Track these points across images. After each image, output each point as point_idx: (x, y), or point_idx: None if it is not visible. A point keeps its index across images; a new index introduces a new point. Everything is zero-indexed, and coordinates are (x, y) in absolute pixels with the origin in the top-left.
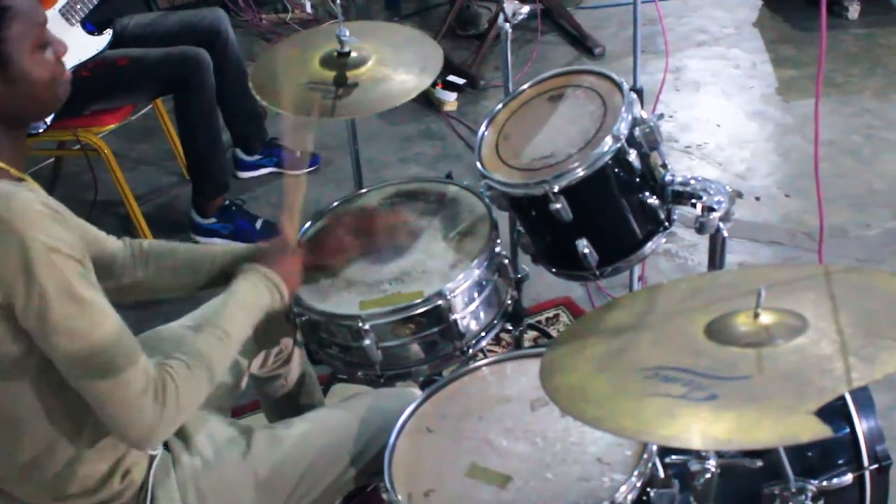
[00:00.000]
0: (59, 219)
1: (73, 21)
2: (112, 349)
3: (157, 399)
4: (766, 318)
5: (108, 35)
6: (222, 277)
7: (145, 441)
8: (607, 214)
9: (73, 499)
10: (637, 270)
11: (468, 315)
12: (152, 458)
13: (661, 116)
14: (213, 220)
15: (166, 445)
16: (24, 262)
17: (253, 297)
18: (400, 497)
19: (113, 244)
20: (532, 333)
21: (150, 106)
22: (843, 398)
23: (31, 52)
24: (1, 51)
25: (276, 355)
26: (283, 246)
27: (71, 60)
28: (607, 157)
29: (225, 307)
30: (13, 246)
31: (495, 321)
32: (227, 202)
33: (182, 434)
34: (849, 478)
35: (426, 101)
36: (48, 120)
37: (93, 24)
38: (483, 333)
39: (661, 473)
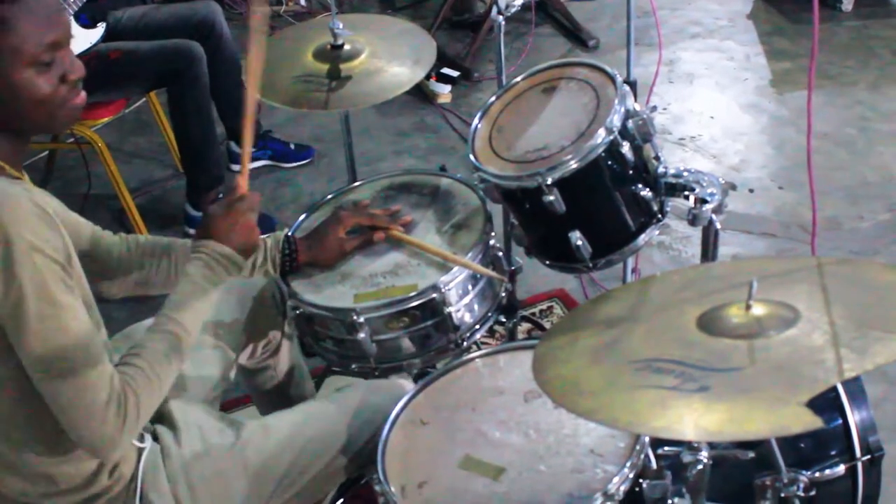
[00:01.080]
0: (48, 220)
1: (67, 14)
2: (80, 356)
3: (119, 412)
4: (758, 310)
5: (101, 28)
6: None
7: (105, 452)
8: (600, 207)
9: (62, 495)
10: (630, 262)
11: (462, 308)
12: (141, 451)
13: (654, 108)
14: None
15: (155, 438)
16: (5, 256)
17: (207, 279)
18: (393, 489)
19: (109, 240)
20: (526, 325)
21: (144, 99)
22: (835, 389)
23: (26, 69)
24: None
25: (264, 346)
26: (232, 202)
27: None
28: (600, 150)
29: (178, 295)
30: None
31: (489, 314)
32: (222, 195)
33: (171, 426)
34: (841, 469)
35: (420, 93)
36: None
37: (87, 18)
38: (477, 326)
39: (654, 465)
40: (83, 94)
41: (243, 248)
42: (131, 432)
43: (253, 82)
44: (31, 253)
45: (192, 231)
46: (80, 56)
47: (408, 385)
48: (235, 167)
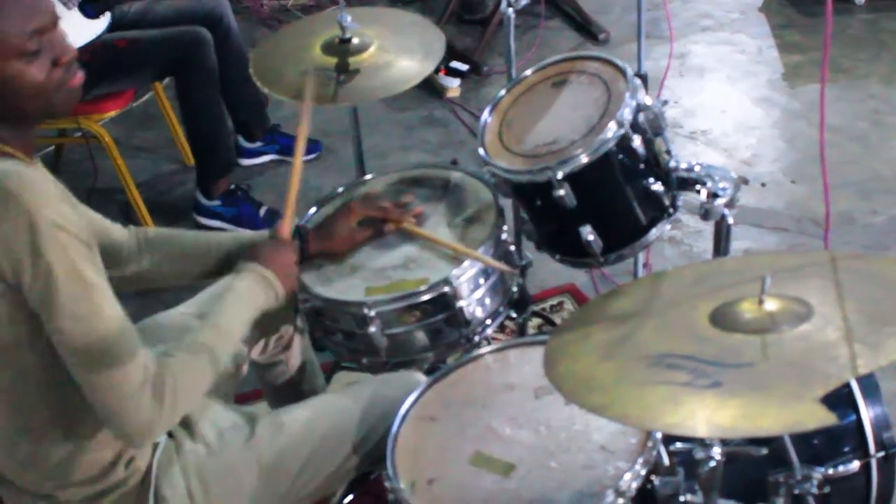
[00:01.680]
0: (69, 200)
1: (71, 6)
2: (113, 338)
3: (155, 395)
4: (770, 305)
5: (106, 18)
6: (228, 266)
7: (141, 437)
8: (611, 201)
9: (76, 486)
10: (641, 257)
11: (474, 302)
12: (156, 445)
13: (665, 102)
14: (217, 202)
15: (170, 433)
16: (31, 238)
17: (251, 297)
18: (403, 485)
19: (118, 232)
20: (536, 321)
21: (151, 93)
22: (848, 385)
23: (15, 62)
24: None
25: (277, 341)
26: (281, 243)
27: None
28: (611, 144)
29: (225, 302)
30: (22, 221)
31: (501, 308)
32: (234, 186)
33: (185, 421)
34: (855, 465)
35: (429, 87)
36: None
37: (91, 10)
38: (489, 321)
39: (666, 461)
40: (80, 73)
41: (283, 283)
42: (168, 418)
43: (301, 147)
44: (56, 232)
45: (202, 220)
46: (86, 46)
47: (421, 377)
48: (245, 162)
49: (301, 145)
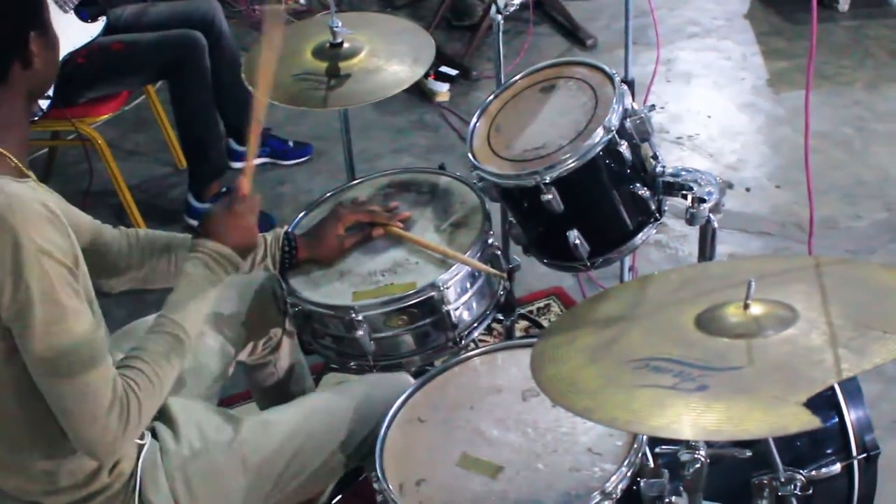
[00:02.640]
0: (56, 223)
1: (67, 8)
2: (83, 359)
3: (121, 416)
4: (756, 310)
5: (101, 22)
6: None
7: (106, 455)
8: (598, 206)
9: (63, 492)
10: (627, 261)
11: (461, 306)
12: (141, 448)
13: (652, 108)
14: (208, 204)
15: (154, 434)
16: (14, 259)
17: (202, 276)
18: (391, 486)
19: (109, 233)
20: (523, 323)
21: (144, 96)
22: (831, 388)
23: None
24: (43, 16)
25: (265, 343)
26: (232, 205)
27: (65, 47)
28: (598, 149)
29: (177, 296)
30: (7, 243)
31: (488, 312)
32: (225, 188)
33: (170, 423)
34: (837, 467)
35: (418, 91)
36: (44, 107)
37: (87, 13)
38: (476, 324)
39: (651, 463)
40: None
41: (241, 248)
42: (132, 436)
43: (263, 86)
44: (40, 257)
45: (194, 222)
46: (81, 49)
47: (409, 379)
48: (236, 165)
49: (263, 87)
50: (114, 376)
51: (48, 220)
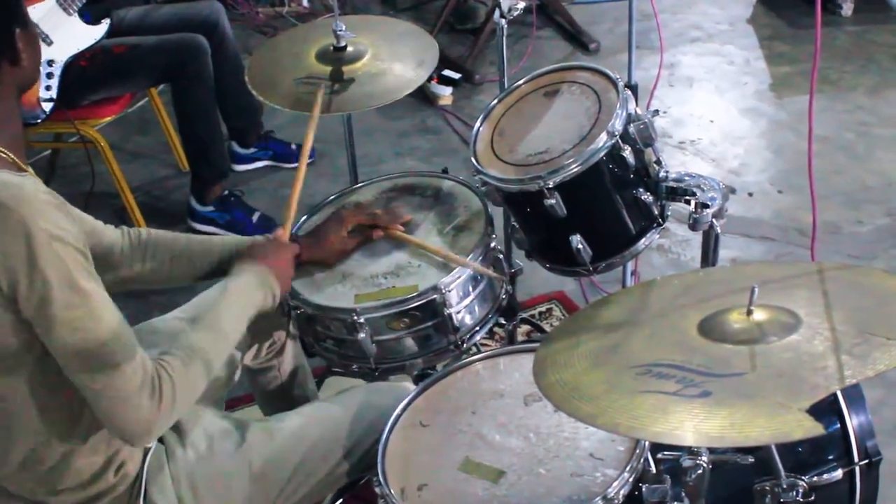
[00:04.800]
0: (63, 209)
1: (71, 11)
2: (110, 343)
3: (153, 395)
4: (759, 316)
5: (105, 24)
6: (220, 269)
7: (140, 437)
8: (601, 210)
9: (67, 492)
10: (630, 265)
11: (463, 309)
12: (146, 451)
13: (655, 112)
14: (211, 208)
15: (160, 438)
16: (27, 250)
17: (248, 296)
18: (393, 491)
19: (111, 234)
20: (525, 327)
21: (147, 98)
22: (834, 394)
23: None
24: (24, 12)
25: (269, 346)
26: (279, 245)
27: (69, 50)
28: (602, 154)
29: (221, 303)
30: (18, 234)
31: (490, 315)
32: (227, 192)
33: (176, 427)
34: (839, 473)
35: (422, 95)
36: (47, 110)
37: (90, 16)
38: (477, 328)
39: (653, 469)
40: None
41: (280, 283)
42: (167, 417)
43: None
44: (53, 243)
45: (196, 225)
46: (85, 51)
47: (410, 387)
48: (237, 167)
49: (306, 152)
50: (143, 357)
51: (55, 206)
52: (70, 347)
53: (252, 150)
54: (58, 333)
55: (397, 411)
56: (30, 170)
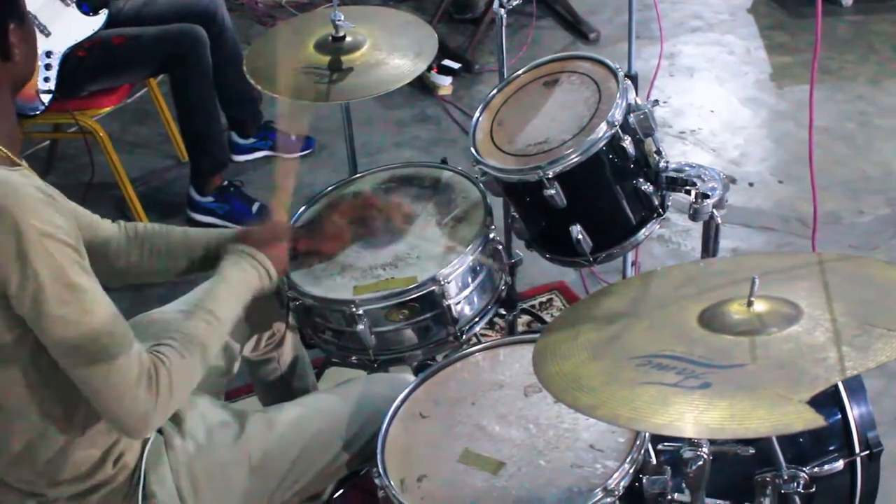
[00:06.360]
0: (53, 204)
1: (69, 2)
2: (105, 337)
3: (150, 388)
4: (759, 307)
5: (103, 15)
6: (217, 261)
7: (139, 430)
8: (601, 201)
9: (65, 484)
10: (630, 256)
11: (462, 300)
12: (145, 442)
13: (655, 103)
14: (210, 198)
15: (159, 429)
16: (18, 247)
17: (241, 278)
18: (392, 482)
19: (107, 228)
20: (525, 318)
21: (146, 89)
22: (834, 385)
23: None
24: (21, 7)
25: (269, 338)
26: (271, 228)
27: (67, 41)
28: (602, 144)
29: (214, 290)
30: (8, 231)
31: (489, 306)
32: (226, 182)
33: (175, 418)
34: (840, 464)
35: (421, 85)
36: (45, 101)
37: (88, 7)
38: (477, 319)
39: (654, 460)
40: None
41: (275, 264)
42: (165, 409)
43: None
44: (43, 239)
45: (195, 216)
46: (83, 42)
47: (410, 378)
48: (237, 157)
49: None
50: (138, 349)
51: (45, 203)
52: (65, 343)
53: (251, 140)
54: (52, 329)
55: (397, 402)
56: (24, 163)
